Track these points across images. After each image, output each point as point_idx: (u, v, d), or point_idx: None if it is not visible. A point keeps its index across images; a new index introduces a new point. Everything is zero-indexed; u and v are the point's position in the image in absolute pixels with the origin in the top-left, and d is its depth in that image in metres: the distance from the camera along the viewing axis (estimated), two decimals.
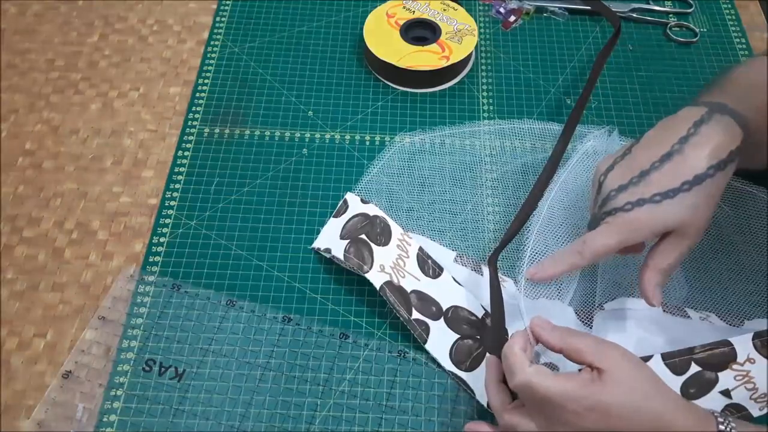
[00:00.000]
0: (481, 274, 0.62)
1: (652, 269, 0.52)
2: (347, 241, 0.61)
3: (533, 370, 0.46)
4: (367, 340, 0.59)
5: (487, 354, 0.52)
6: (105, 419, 0.54)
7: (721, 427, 0.45)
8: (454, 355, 0.57)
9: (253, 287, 0.62)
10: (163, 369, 0.57)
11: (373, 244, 0.61)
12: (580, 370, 0.46)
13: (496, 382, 0.50)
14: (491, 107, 0.75)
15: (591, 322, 0.58)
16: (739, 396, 0.53)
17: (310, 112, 0.74)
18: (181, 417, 0.55)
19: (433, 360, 0.57)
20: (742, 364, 0.53)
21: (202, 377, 0.56)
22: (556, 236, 0.58)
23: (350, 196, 0.65)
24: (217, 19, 0.82)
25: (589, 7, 0.83)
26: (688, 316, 0.58)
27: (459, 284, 0.60)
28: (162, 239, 0.64)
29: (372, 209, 0.64)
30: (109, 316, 0.59)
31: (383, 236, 0.62)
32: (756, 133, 0.53)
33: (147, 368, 0.57)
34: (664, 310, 0.59)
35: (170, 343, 0.58)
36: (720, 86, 0.56)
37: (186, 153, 0.70)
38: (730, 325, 0.58)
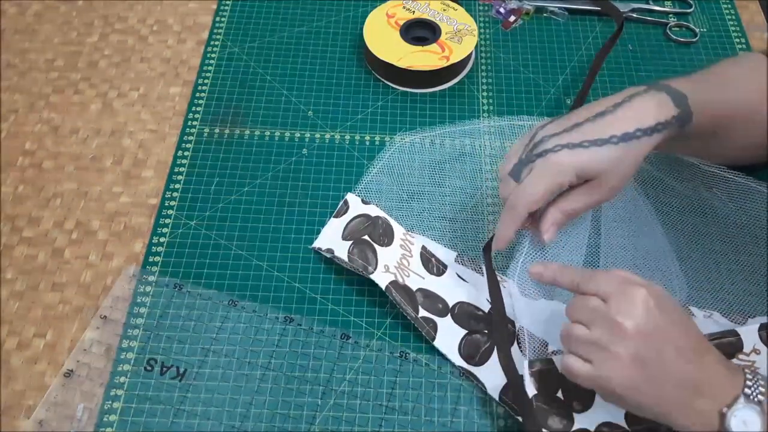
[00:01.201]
0: (482, 274, 0.62)
1: (557, 208, 0.56)
2: (350, 242, 0.61)
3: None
4: (367, 341, 0.59)
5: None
6: (105, 419, 0.54)
7: (747, 391, 0.45)
8: (464, 350, 0.57)
9: (254, 287, 0.61)
10: (164, 369, 0.57)
11: (376, 245, 0.61)
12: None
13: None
14: (491, 107, 0.75)
15: None
16: None
17: (310, 112, 0.74)
18: (182, 417, 0.55)
19: (434, 360, 0.57)
20: (747, 355, 0.54)
21: (204, 377, 0.56)
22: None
23: (351, 197, 0.65)
24: (217, 19, 0.82)
25: (589, 7, 0.83)
26: (693, 314, 0.58)
27: (464, 280, 0.60)
28: (162, 239, 0.64)
29: (373, 210, 0.64)
30: (111, 316, 0.59)
31: (386, 237, 0.62)
32: (707, 119, 0.56)
33: (148, 368, 0.57)
34: None
35: (172, 342, 0.58)
36: (686, 75, 0.59)
37: (186, 153, 0.70)
38: (734, 323, 0.58)
